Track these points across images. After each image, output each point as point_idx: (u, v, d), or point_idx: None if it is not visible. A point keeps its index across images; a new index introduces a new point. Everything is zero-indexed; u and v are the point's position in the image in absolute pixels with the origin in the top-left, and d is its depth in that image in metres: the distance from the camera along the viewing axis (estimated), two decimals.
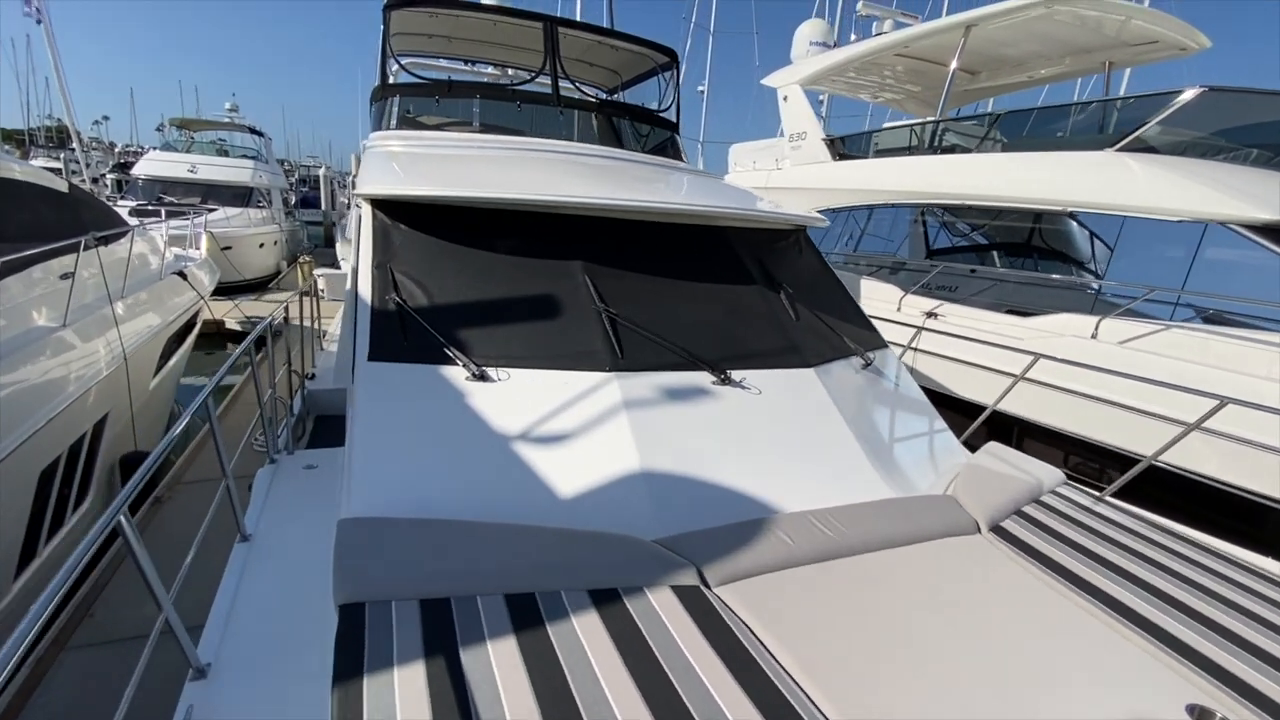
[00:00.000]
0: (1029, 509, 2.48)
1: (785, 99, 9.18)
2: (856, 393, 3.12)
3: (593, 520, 2.10)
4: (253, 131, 19.83)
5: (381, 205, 3.25)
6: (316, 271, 14.23)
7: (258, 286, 15.53)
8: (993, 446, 3.13)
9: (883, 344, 3.72)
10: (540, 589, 1.70)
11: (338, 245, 17.78)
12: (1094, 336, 4.97)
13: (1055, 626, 1.80)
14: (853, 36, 9.92)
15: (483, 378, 2.61)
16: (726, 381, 2.78)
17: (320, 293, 6.61)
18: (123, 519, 1.77)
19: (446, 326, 2.78)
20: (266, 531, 2.49)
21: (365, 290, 2.96)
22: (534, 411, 2.53)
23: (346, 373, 5.11)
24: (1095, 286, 5.85)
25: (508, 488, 2.26)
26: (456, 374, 2.64)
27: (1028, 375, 3.61)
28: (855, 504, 2.27)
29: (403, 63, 5.34)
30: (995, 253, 8.26)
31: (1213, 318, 5.15)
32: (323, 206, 24.84)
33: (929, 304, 6.49)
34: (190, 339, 8.22)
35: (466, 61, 6.99)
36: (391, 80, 5.14)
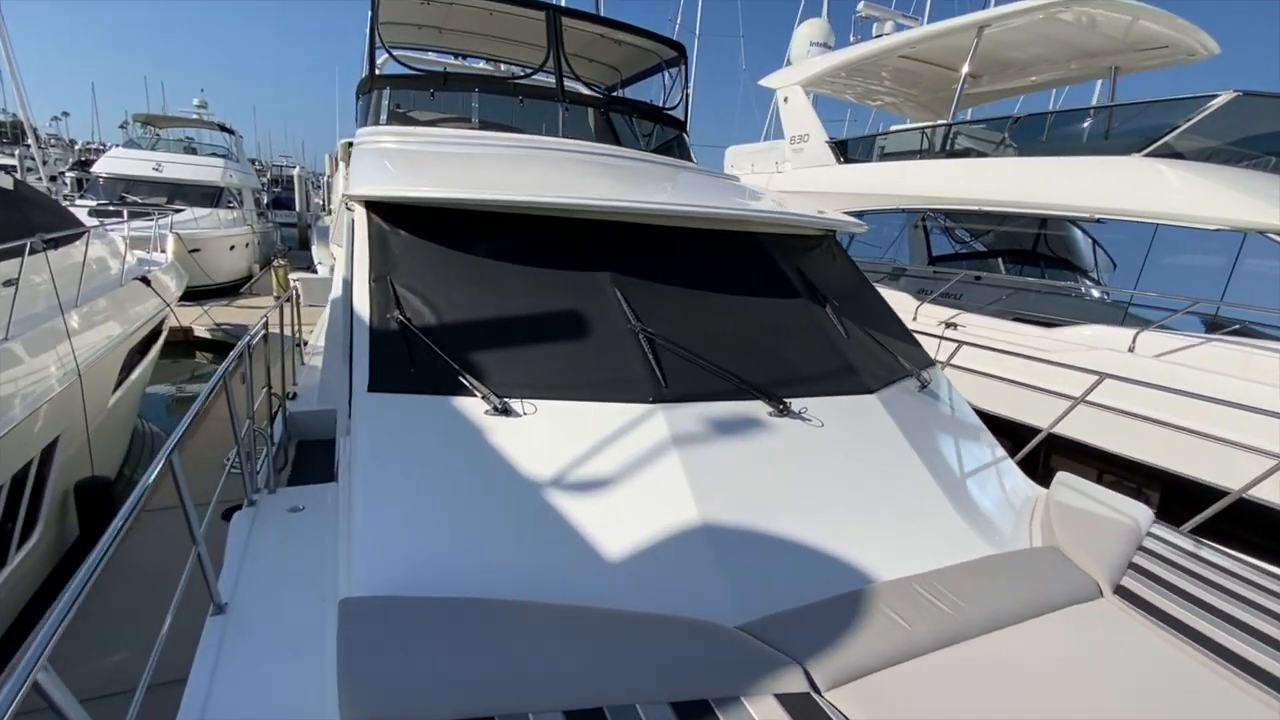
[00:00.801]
0: (1140, 560, 2.17)
1: (785, 100, 8.90)
2: (920, 421, 2.78)
3: (653, 597, 1.72)
4: (222, 128, 19.04)
5: (379, 209, 2.84)
6: (293, 276, 13.66)
7: (228, 291, 14.83)
8: (1067, 478, 2.82)
9: (931, 361, 3.40)
10: (610, 701, 1.32)
11: (313, 248, 17.09)
12: (1131, 350, 4.72)
13: (1199, 698, 1.56)
14: (851, 38, 9.69)
15: (505, 411, 2.22)
16: (785, 412, 2.42)
17: (298, 298, 6.10)
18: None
19: (460, 350, 2.38)
20: (246, 601, 2.06)
21: (362, 307, 2.55)
22: (568, 453, 2.14)
23: (334, 394, 4.66)
24: (1124, 297, 5.63)
25: (545, 553, 1.87)
26: (474, 407, 2.24)
27: (1088, 398, 3.32)
28: (961, 566, 1.92)
29: (394, 53, 4.90)
30: (1000, 260, 8.07)
31: (1241, 330, 4.94)
32: (297, 207, 24.03)
33: (946, 313, 6.22)
34: (155, 349, 7.65)
35: (456, 56, 6.57)
36: (380, 71, 4.70)
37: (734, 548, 1.92)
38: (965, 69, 7.18)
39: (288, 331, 5.16)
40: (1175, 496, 4.42)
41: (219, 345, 11.23)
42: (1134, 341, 4.73)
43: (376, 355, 2.36)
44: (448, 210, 2.78)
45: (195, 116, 19.64)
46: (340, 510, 2.22)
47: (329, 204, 19.81)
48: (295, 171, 24.94)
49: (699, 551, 1.89)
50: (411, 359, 2.36)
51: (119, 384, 6.12)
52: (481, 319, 2.52)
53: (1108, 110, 6.09)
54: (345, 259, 3.19)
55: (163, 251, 8.67)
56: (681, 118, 5.57)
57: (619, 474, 2.09)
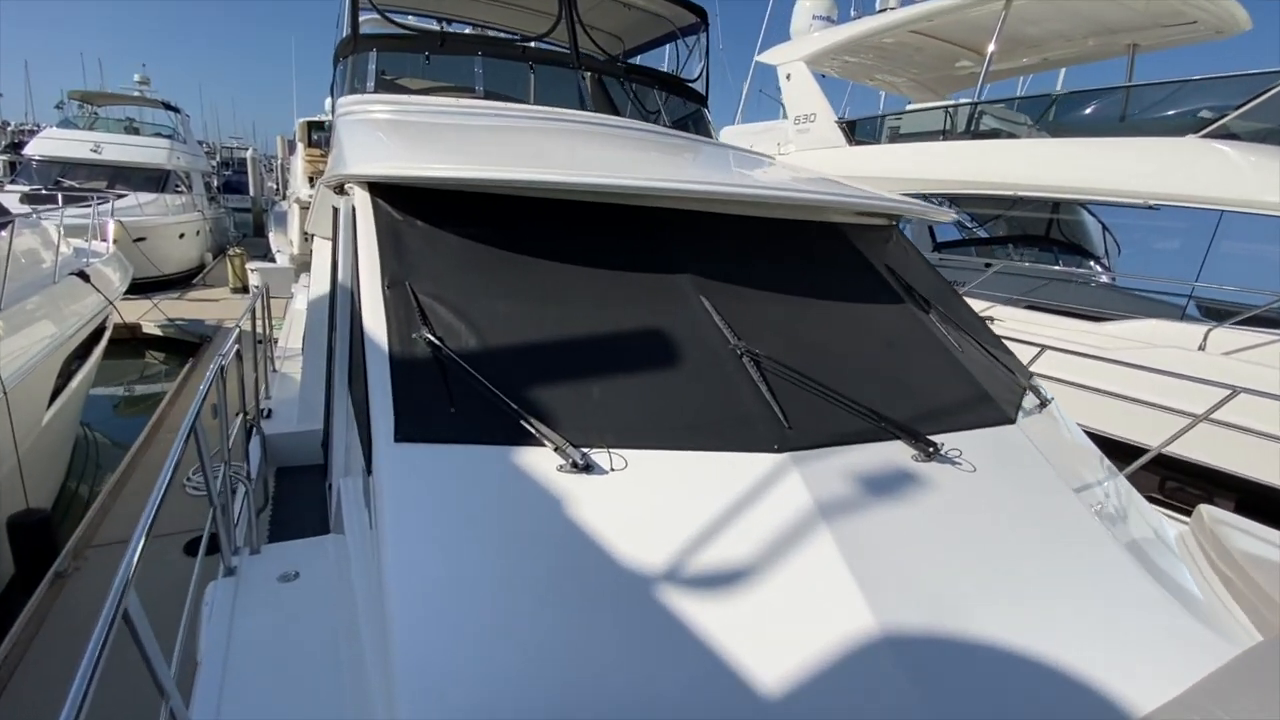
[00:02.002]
0: None
1: (788, 77, 8.36)
2: (1060, 454, 2.31)
3: None
4: (167, 107, 17.63)
5: (387, 193, 2.22)
6: (250, 265, 12.64)
7: (179, 282, 13.73)
8: (1216, 514, 2.39)
9: (1028, 373, 2.93)
10: None
11: (270, 234, 15.99)
12: (1202, 349, 4.36)
13: None
14: (853, 13, 9.18)
15: (587, 468, 1.66)
16: (932, 455, 1.91)
17: (267, 295, 5.37)
18: None
19: (515, 381, 1.81)
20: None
21: (375, 323, 1.94)
22: (678, 526, 1.59)
23: (315, 410, 3.99)
24: (1162, 288, 5.29)
25: (659, 672, 1.33)
26: (542, 462, 1.67)
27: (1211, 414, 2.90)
28: (1200, 688, 1.43)
29: (384, 12, 4.17)
30: (1009, 246, 7.72)
31: None
32: (251, 192, 22.58)
33: (978, 305, 5.81)
34: (97, 352, 6.78)
35: (441, 21, 5.85)
36: (364, 31, 4.00)
37: (927, 661, 1.40)
38: (992, 46, 6.73)
39: (248, 336, 4.46)
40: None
41: (171, 343, 10.28)
42: (1205, 339, 4.37)
43: (403, 390, 1.77)
44: (481, 195, 2.18)
45: (137, 94, 18.14)
46: (361, 611, 1.63)
47: (284, 189, 18.60)
48: (248, 154, 23.40)
49: (881, 670, 1.37)
50: (450, 395, 1.77)
51: (55, 396, 5.32)
52: (538, 339, 1.94)
53: (1153, 88, 5.70)
54: (342, 259, 2.56)
55: (104, 241, 7.74)
56: (703, 92, 5.00)
57: (750, 554, 1.55)
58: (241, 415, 2.92)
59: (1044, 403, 2.58)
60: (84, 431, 7.49)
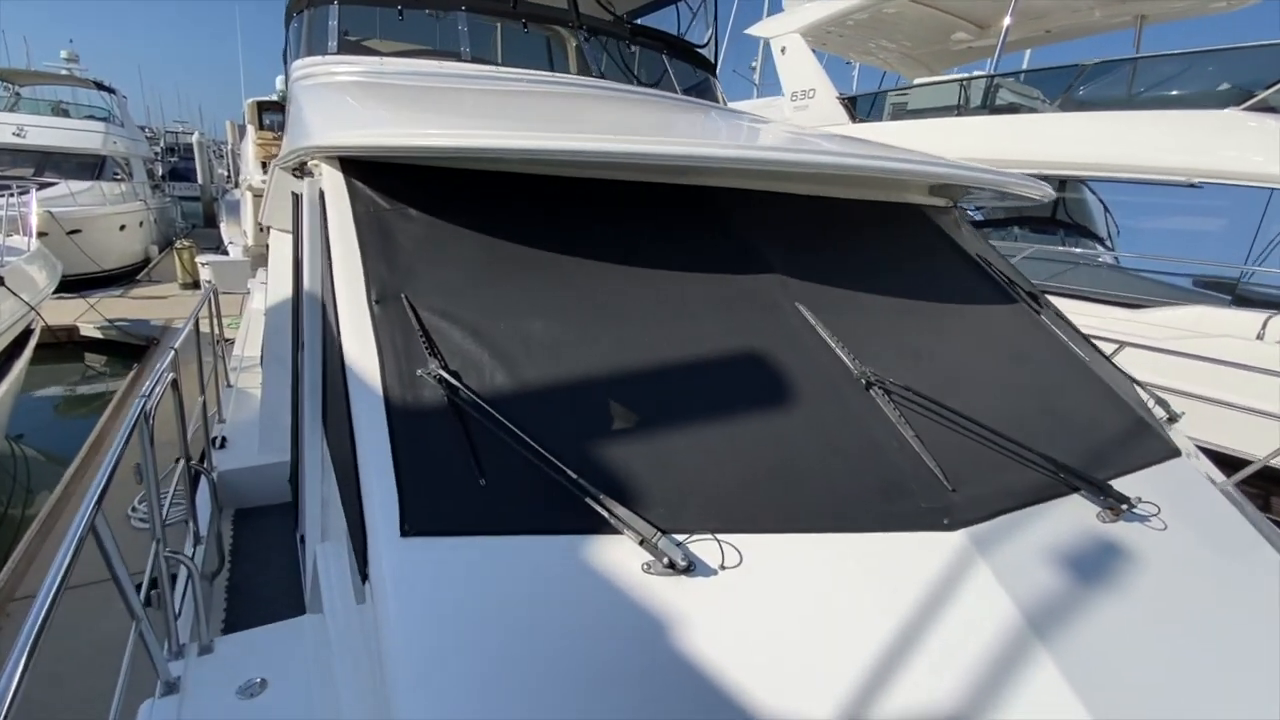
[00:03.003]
0: None
1: (783, 51, 7.84)
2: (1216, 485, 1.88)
3: None
4: (100, 87, 16.25)
5: (367, 172, 1.67)
6: (200, 259, 11.67)
7: (123, 278, 12.68)
8: None
9: (1140, 382, 2.51)
10: None
11: (222, 225, 14.88)
12: (1260, 338, 4.03)
13: None
14: None
15: (688, 568, 1.15)
16: (1121, 512, 1.44)
17: (216, 299, 4.68)
18: None
19: (568, 438, 1.29)
20: None
21: (360, 355, 1.40)
22: (833, 651, 1.10)
23: (278, 437, 3.37)
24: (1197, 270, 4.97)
25: None
26: (620, 560, 1.17)
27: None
28: None
29: None
30: (1014, 229, 7.39)
31: None
32: (199, 179, 21.17)
33: None
34: (22, 362, 5.99)
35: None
36: None
37: None
38: (1007, 19, 6.32)
39: (193, 341, 3.81)
40: None
41: (115, 346, 9.37)
42: (1264, 328, 4.03)
43: (410, 457, 1.23)
44: (497, 176, 1.65)
45: (65, 72, 16.70)
46: None
47: (235, 175, 17.40)
48: (194, 138, 21.88)
49: None
50: (477, 461, 1.24)
51: None
52: (594, 373, 1.42)
53: (1191, 58, 5.33)
54: (311, 259, 1.98)
55: (26, 235, 6.87)
56: (711, 59, 4.47)
57: (949, 687, 1.07)
58: (183, 456, 2.32)
59: (1173, 418, 2.15)
60: (10, 448, 6.67)
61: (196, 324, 3.32)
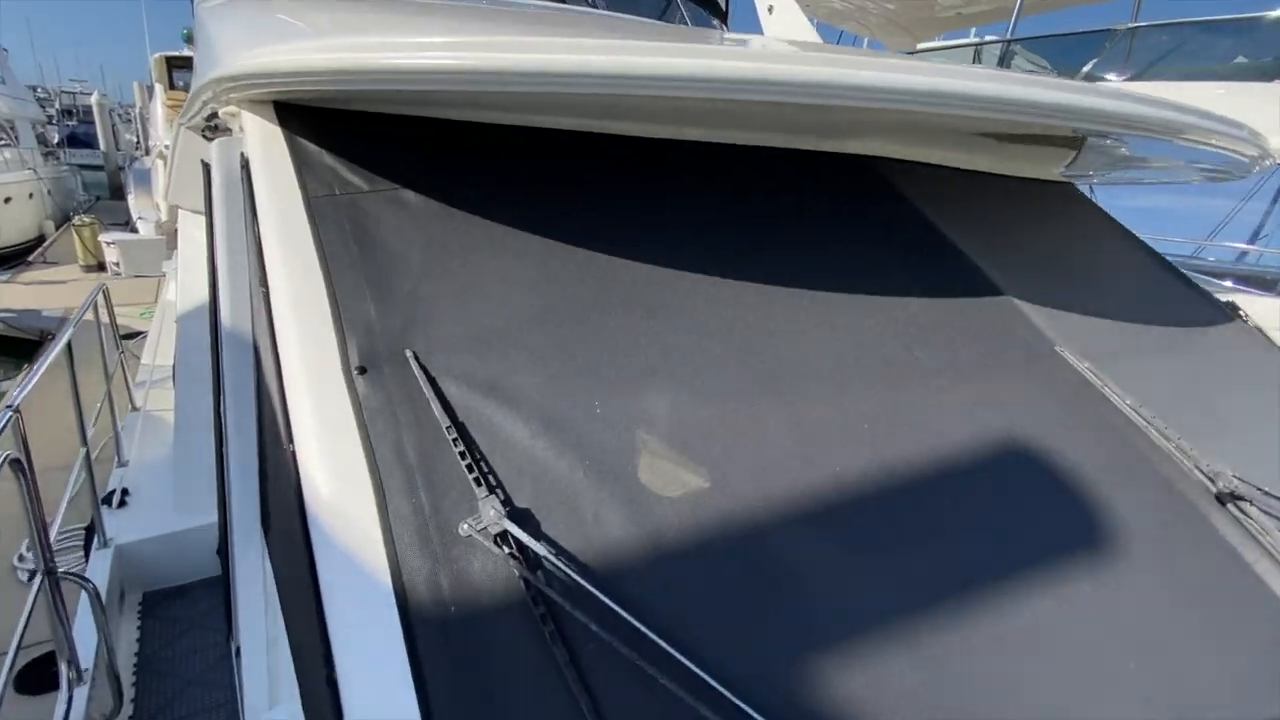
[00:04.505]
0: None
1: (770, 10, 7.17)
2: None
3: None
4: None
5: (320, 123, 0.94)
6: (104, 237, 10.21)
7: (12, 259, 11.09)
8: None
9: None
10: None
11: (130, 198, 13.21)
12: None
13: None
14: None
15: None
16: None
17: (116, 271, 3.74)
18: None
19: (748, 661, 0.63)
20: None
21: (327, 476, 0.69)
22: None
23: (199, 487, 2.56)
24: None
25: None
26: None
27: None
28: None
29: None
30: None
31: None
32: (102, 146, 18.94)
33: None
34: None
35: None
36: None
37: None
38: None
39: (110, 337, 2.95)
40: None
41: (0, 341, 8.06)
42: None
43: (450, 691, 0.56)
44: (540, 136, 0.97)
45: None
46: None
47: (145, 141, 15.55)
48: (93, 99, 19.54)
49: None
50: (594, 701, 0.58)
51: None
52: (775, 513, 0.77)
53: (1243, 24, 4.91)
54: (227, 260, 1.24)
55: None
56: (722, 6, 3.78)
57: None
58: (38, 544, 1.57)
59: None
60: None
61: (98, 324, 2.49)
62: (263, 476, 1.21)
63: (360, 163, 1.04)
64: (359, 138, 1.07)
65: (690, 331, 0.97)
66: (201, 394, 2.42)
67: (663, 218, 1.12)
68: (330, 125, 1.08)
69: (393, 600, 0.66)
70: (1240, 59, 5.14)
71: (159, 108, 10.28)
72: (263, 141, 1.07)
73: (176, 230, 5.58)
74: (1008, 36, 5.96)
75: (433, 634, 0.65)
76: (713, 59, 0.78)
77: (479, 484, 0.74)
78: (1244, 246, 6.22)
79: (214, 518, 2.16)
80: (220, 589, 2.06)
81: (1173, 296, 1.62)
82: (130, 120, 21.90)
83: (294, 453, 0.81)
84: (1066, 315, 1.19)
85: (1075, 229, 1.74)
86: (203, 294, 2.54)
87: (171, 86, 10.49)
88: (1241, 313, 1.89)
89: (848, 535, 0.80)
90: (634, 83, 0.77)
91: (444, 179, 1.04)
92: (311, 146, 1.06)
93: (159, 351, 4.08)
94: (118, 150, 18.87)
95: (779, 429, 0.88)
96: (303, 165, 1.04)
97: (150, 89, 13.26)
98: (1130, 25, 5.63)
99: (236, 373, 1.35)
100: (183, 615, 2.16)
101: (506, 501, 0.74)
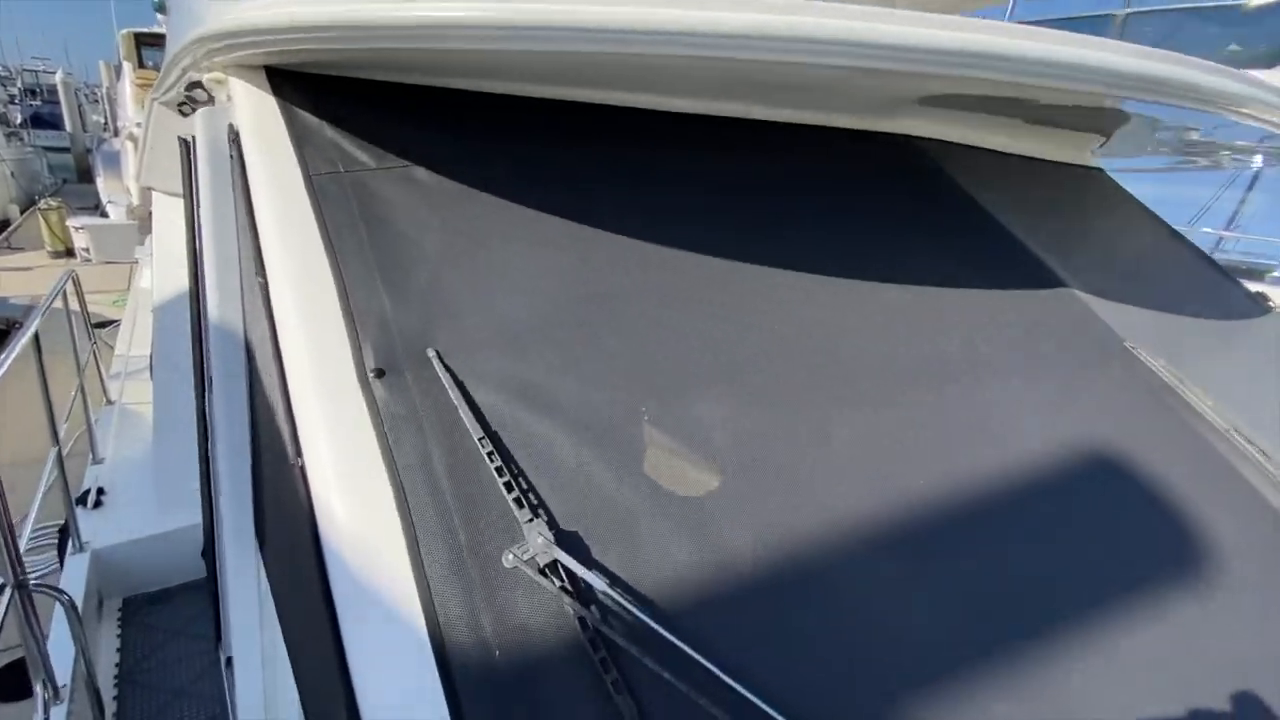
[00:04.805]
0: None
1: None
2: None
3: None
4: None
5: (318, 92, 0.82)
6: (72, 222, 9.83)
7: None
8: None
9: None
10: None
11: (99, 181, 12.74)
12: None
13: None
14: None
15: None
16: None
17: (86, 257, 3.54)
18: None
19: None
20: None
21: (341, 495, 0.58)
22: None
23: (180, 481, 2.42)
24: None
25: None
26: None
27: None
28: None
29: None
30: None
31: None
32: (68, 126, 18.26)
33: None
34: None
35: None
36: None
37: None
38: None
39: (77, 335, 2.77)
40: None
41: None
42: None
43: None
44: (583, 111, 0.86)
45: None
46: None
47: (113, 122, 15.01)
48: (58, 78, 18.82)
49: None
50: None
51: None
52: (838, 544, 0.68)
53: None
54: (215, 249, 1.12)
55: None
56: None
57: None
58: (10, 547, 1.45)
59: None
60: None
61: (67, 312, 2.34)
62: (257, 483, 1.10)
63: (366, 137, 0.92)
64: (364, 109, 0.95)
65: (740, 325, 0.87)
66: (181, 387, 2.28)
67: (704, 200, 1.03)
68: (331, 95, 0.96)
69: (428, 646, 0.57)
70: (1233, 46, 5.09)
71: (128, 86, 9.86)
72: (255, 111, 0.95)
73: (150, 214, 5.34)
74: (1125, 10, 5.81)
75: (476, 686, 0.56)
76: (790, 14, 0.68)
77: (520, 505, 0.64)
78: (1225, 234, 6.23)
79: (198, 518, 2.03)
80: (206, 594, 1.94)
81: (1215, 288, 1.56)
82: (97, 100, 21.14)
83: (303, 467, 0.70)
84: (1128, 309, 1.12)
85: (1116, 217, 1.67)
86: (181, 281, 2.39)
87: (141, 65, 10.07)
88: (1272, 303, 1.84)
89: (931, 560, 0.72)
90: (698, 41, 0.67)
91: (462, 156, 0.93)
92: (310, 118, 0.94)
93: (134, 341, 3.90)
94: (85, 132, 18.22)
95: (844, 436, 0.79)
96: (301, 139, 0.92)
97: (118, 68, 12.75)
98: (1124, 12, 5.57)
99: (226, 367, 1.23)
100: (166, 622, 2.04)
101: (552, 524, 0.64)
